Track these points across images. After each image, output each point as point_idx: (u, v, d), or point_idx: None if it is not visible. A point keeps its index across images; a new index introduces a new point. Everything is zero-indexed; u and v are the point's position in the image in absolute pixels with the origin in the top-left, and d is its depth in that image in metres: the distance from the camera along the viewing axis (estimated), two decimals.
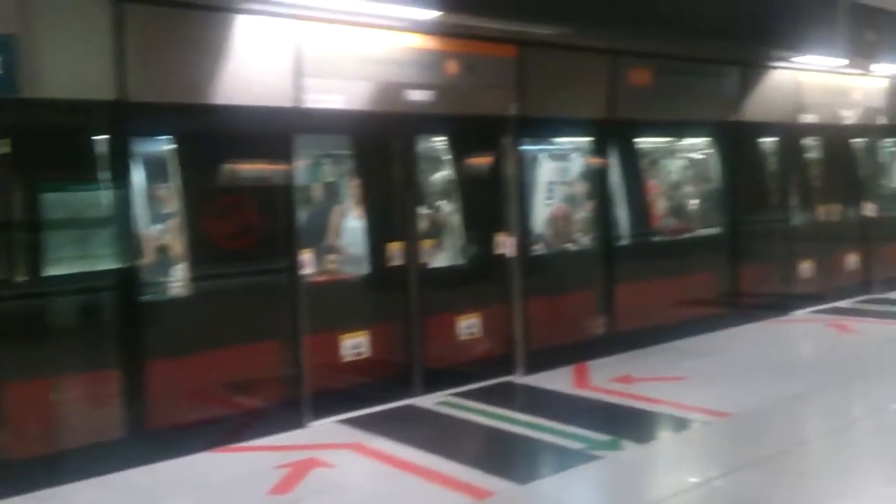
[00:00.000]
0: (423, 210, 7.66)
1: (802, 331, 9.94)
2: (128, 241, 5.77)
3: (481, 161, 7.98)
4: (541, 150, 9.02)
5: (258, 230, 6.44)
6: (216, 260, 6.22)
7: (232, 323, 6.28)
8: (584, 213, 9.15)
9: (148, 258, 6.36)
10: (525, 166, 8.29)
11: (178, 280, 6.27)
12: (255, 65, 6.17)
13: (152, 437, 5.83)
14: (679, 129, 10.10)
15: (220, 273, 6.20)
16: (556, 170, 9.32)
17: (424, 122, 7.35)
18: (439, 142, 7.99)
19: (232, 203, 6.28)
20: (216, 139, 6.22)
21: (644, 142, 9.75)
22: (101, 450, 5.63)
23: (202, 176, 6.23)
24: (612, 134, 8.90)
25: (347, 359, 6.92)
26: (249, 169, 6.36)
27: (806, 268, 10.99)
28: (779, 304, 10.58)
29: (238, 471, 5.72)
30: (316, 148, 7.64)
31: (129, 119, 5.73)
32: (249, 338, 6.35)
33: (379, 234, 7.25)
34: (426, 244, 7.42)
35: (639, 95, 8.84)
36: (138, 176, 6.15)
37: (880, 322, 10.11)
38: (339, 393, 6.90)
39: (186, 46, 5.90)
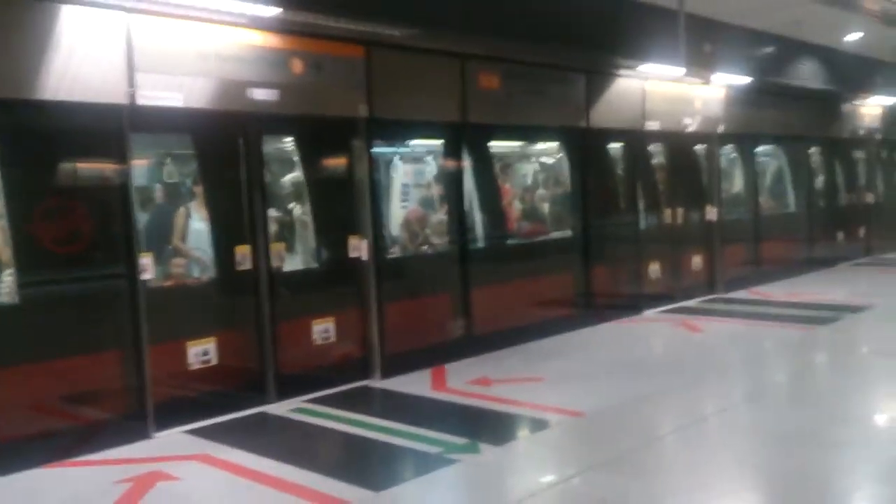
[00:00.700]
0: (273, 212, 7.45)
1: (653, 330, 10.22)
2: None
3: (332, 163, 7.84)
4: (393, 153, 8.96)
5: (92, 233, 6.07)
6: (46, 265, 5.83)
7: (66, 332, 5.91)
8: (439, 215, 9.14)
9: None
10: (377, 168, 8.20)
11: (5, 286, 5.85)
12: (83, 59, 5.80)
13: None
14: (530, 133, 10.26)
15: (50, 279, 5.81)
16: (410, 172, 9.29)
17: (271, 121, 7.17)
18: (288, 142, 7.81)
19: (62, 205, 5.90)
20: (41, 137, 5.85)
21: (496, 145, 9.84)
22: None
23: (26, 176, 5.82)
24: (465, 137, 8.92)
25: (195, 366, 6.63)
26: (80, 168, 6.00)
27: (654, 269, 11.35)
28: (630, 304, 10.87)
29: (75, 488, 5.37)
30: (157, 147, 7.33)
31: None
32: (86, 347, 6.02)
33: (226, 236, 7.00)
34: (277, 247, 7.20)
35: (489, 99, 8.90)
36: None
37: (725, 321, 10.50)
38: (187, 402, 6.62)
39: (4, 38, 5.50)
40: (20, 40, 5.57)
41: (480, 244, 9.21)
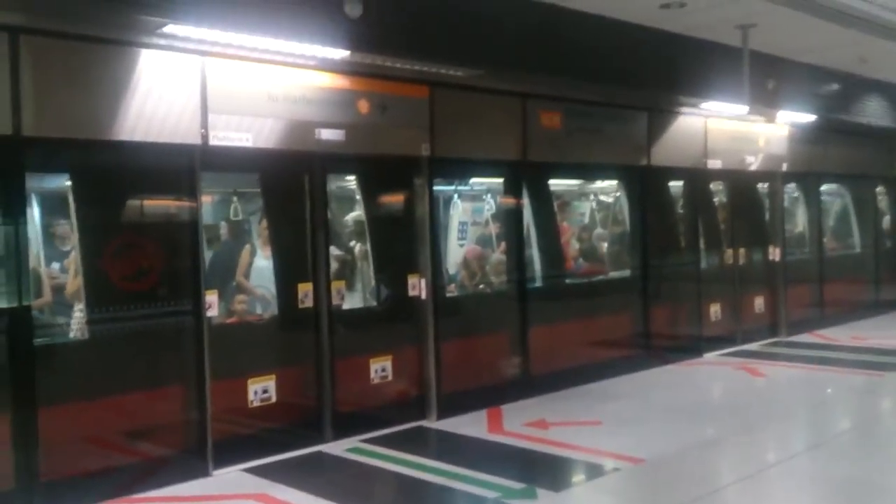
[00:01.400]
0: (334, 251, 7.51)
1: (713, 374, 10.04)
2: (21, 279, 5.43)
3: (393, 201, 7.89)
4: (454, 191, 8.98)
5: (161, 270, 6.17)
6: (116, 301, 5.92)
7: (131, 368, 6.01)
8: (497, 254, 9.12)
9: (44, 298, 6.07)
10: (437, 207, 8.23)
11: (75, 322, 5.98)
12: (159, 101, 5.95)
13: (45, 489, 5.52)
14: (590, 172, 10.19)
15: (120, 315, 5.91)
16: (468, 210, 9.29)
17: (336, 161, 7.25)
18: (351, 181, 7.88)
19: (133, 242, 6.03)
20: (117, 176, 6.01)
21: (556, 184, 9.81)
22: None
23: (102, 214, 5.98)
24: (525, 176, 8.92)
25: (255, 404, 6.68)
26: (151, 206, 6.13)
27: (715, 310, 11.18)
28: (689, 346, 10.70)
29: None
30: (224, 185, 7.45)
31: (24, 155, 5.47)
32: (151, 383, 6.10)
33: (289, 274, 7.07)
34: (337, 285, 7.24)
35: (550, 138, 8.89)
36: (35, 213, 5.87)
37: (788, 366, 10.28)
38: (246, 440, 6.65)
39: (86, 81, 5.66)
40: (99, 84, 5.72)
41: (538, 283, 9.15)
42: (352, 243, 8.22)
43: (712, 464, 6.62)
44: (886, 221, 15.42)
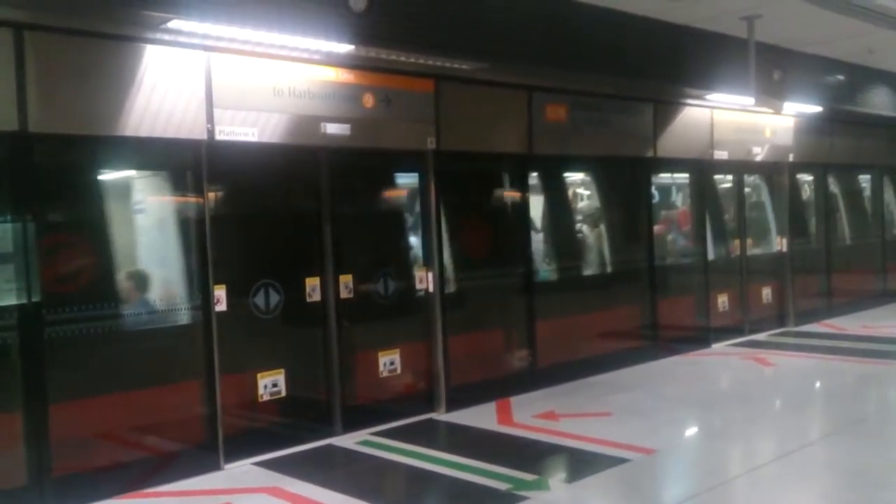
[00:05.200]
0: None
1: (722, 364, 10.03)
2: (30, 276, 5.44)
3: (399, 195, 7.88)
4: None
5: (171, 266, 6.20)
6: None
7: (145, 363, 6.04)
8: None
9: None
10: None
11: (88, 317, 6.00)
12: (164, 96, 5.95)
13: (57, 484, 5.53)
14: (596, 164, 10.16)
15: (127, 311, 5.94)
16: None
17: (342, 155, 7.21)
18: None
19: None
20: (123, 170, 6.03)
21: (562, 176, 9.80)
22: (1, 499, 5.31)
23: (109, 210, 5.99)
24: (531, 168, 8.92)
25: (265, 398, 6.69)
26: (157, 203, 6.14)
27: (723, 301, 11.16)
28: (698, 337, 10.70)
29: None
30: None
31: (31, 150, 5.48)
32: (163, 378, 6.13)
33: (297, 268, 7.06)
34: (345, 279, 7.24)
35: (556, 130, 8.88)
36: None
37: (797, 355, 10.26)
38: (257, 433, 6.67)
39: (91, 77, 5.66)
40: (105, 79, 5.72)
41: (545, 276, 9.13)
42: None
43: (723, 454, 6.60)
44: (894, 211, 15.37)
